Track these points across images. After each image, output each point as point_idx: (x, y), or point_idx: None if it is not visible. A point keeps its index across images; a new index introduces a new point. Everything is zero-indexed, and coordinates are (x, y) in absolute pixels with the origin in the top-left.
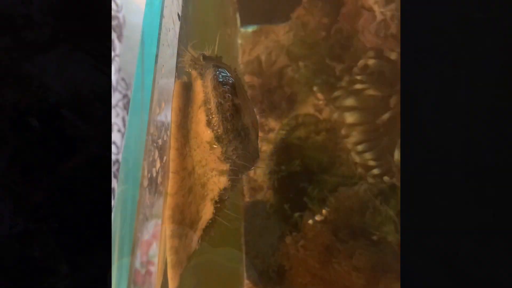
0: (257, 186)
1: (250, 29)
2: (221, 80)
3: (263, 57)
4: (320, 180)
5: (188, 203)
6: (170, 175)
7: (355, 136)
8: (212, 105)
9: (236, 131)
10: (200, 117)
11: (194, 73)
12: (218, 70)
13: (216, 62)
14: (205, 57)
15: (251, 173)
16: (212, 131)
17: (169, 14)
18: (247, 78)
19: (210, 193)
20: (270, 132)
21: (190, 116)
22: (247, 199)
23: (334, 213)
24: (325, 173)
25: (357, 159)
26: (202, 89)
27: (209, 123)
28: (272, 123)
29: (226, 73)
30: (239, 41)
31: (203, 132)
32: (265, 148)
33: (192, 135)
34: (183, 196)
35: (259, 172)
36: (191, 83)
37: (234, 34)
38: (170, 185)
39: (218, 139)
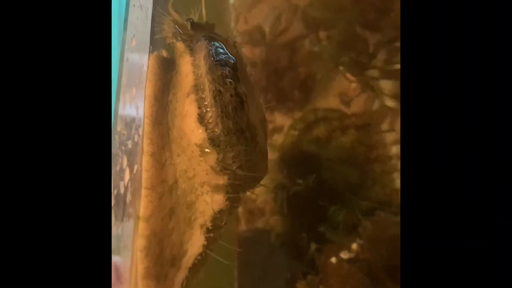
0: (256, 208)
1: None
2: (219, 58)
3: (267, 24)
4: (348, 199)
5: (168, 230)
6: (143, 192)
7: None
8: (207, 93)
9: (240, 131)
10: (188, 109)
11: (179, 46)
12: (213, 44)
13: (208, 31)
14: (193, 25)
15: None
16: (206, 129)
17: None
18: (246, 52)
19: (199, 217)
20: (276, 133)
21: (172, 107)
22: (242, 226)
23: (370, 248)
24: (355, 191)
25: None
26: (192, 69)
27: (201, 118)
28: (280, 119)
29: (224, 49)
30: (231, 1)
31: (192, 130)
32: (269, 155)
33: (174, 134)
34: (162, 220)
35: (260, 190)
36: (174, 59)
37: None
38: (143, 206)
39: (213, 141)
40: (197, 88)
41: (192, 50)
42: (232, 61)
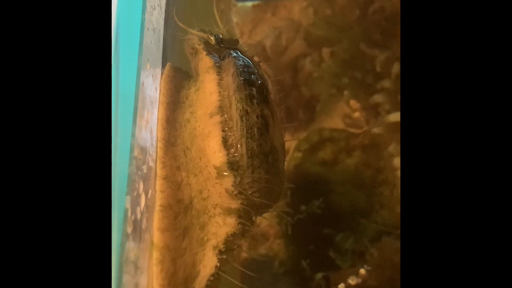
0: (259, 233)
1: (250, 3)
2: (247, 78)
3: (268, 42)
4: (356, 225)
5: (181, 250)
6: (157, 208)
7: None
8: (234, 113)
9: (263, 154)
10: (211, 130)
11: (207, 60)
12: (240, 62)
13: (233, 47)
14: (218, 39)
15: None
16: (227, 153)
17: None
18: None
19: (212, 239)
20: None
21: (191, 126)
22: (244, 253)
23: (377, 273)
24: (363, 215)
25: None
26: (217, 88)
27: (225, 141)
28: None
29: (252, 67)
30: (234, 19)
31: (214, 152)
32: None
33: (193, 153)
34: (176, 239)
35: (266, 214)
36: (189, 74)
37: (228, 10)
38: (158, 219)
39: (232, 165)
40: (222, 109)
41: (220, 67)
42: (260, 82)
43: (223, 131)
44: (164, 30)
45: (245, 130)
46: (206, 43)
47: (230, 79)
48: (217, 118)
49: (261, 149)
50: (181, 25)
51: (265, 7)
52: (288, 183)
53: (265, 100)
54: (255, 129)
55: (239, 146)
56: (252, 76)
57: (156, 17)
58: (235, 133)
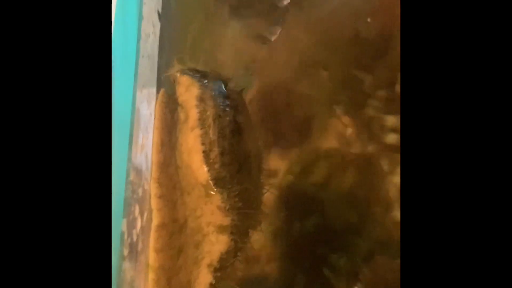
0: (254, 251)
1: (249, 27)
2: (223, 92)
3: (265, 61)
4: (349, 244)
5: (176, 269)
6: (153, 228)
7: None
8: (210, 121)
9: (234, 154)
10: (193, 144)
11: (186, 79)
12: (218, 82)
13: (213, 74)
14: (199, 71)
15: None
16: (209, 169)
17: (149, 14)
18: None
19: (206, 257)
20: (272, 176)
21: (179, 143)
22: (238, 272)
23: None
24: (356, 234)
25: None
26: (196, 102)
27: (207, 156)
28: (276, 162)
29: (225, 88)
30: (232, 42)
31: (198, 168)
32: (266, 198)
33: (184, 171)
34: (171, 258)
35: (258, 235)
36: (179, 101)
37: (225, 32)
38: (154, 239)
39: (217, 181)
40: (202, 122)
41: (200, 84)
42: (235, 96)
43: (203, 144)
44: (158, 56)
45: (216, 130)
46: (183, 70)
47: (207, 94)
48: (197, 131)
49: (232, 148)
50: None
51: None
52: (281, 201)
53: (240, 110)
54: (227, 130)
55: (216, 150)
56: (227, 92)
57: (151, 44)
58: (212, 140)
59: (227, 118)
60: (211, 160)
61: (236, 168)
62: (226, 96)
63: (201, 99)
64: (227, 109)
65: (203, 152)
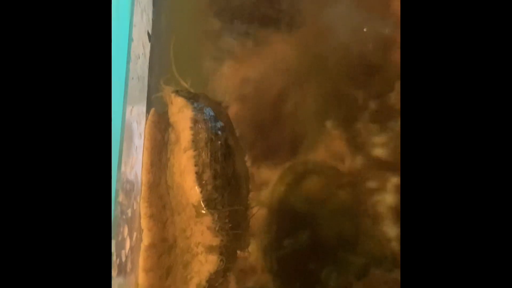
0: (248, 267)
1: (238, 46)
2: (213, 116)
3: (255, 78)
4: (341, 259)
5: None
6: (142, 247)
7: (390, 191)
8: (203, 144)
9: (226, 177)
10: (186, 165)
11: (180, 100)
12: (208, 106)
13: (203, 97)
14: (191, 93)
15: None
16: (201, 190)
17: (139, 36)
18: (232, 108)
19: (195, 277)
20: (262, 189)
21: (170, 164)
22: (233, 286)
23: None
24: (349, 249)
25: (392, 231)
26: (190, 124)
27: (199, 177)
28: (266, 173)
29: (213, 114)
30: (223, 59)
31: (190, 188)
32: (257, 212)
33: (175, 191)
34: (160, 278)
35: (253, 248)
36: (170, 121)
37: (215, 50)
38: (143, 258)
39: (209, 202)
40: (195, 143)
41: (193, 107)
42: (223, 122)
43: (195, 165)
44: (148, 77)
45: (209, 154)
46: (177, 91)
47: (200, 116)
48: (191, 153)
49: (224, 171)
50: (162, 85)
51: (250, 44)
52: (272, 216)
53: (230, 132)
54: (219, 153)
55: (209, 172)
56: (218, 123)
57: (141, 65)
58: (205, 162)
59: (219, 142)
60: (203, 182)
61: (228, 190)
62: (217, 119)
63: (195, 121)
64: (219, 132)
65: (196, 173)
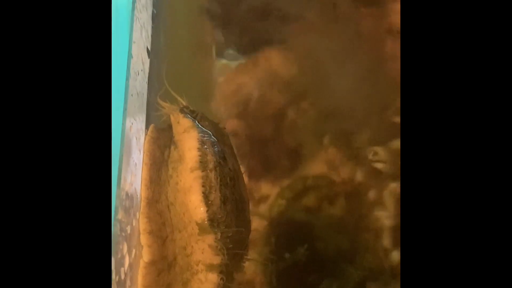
0: (245, 281)
1: (235, 63)
2: (216, 140)
3: (252, 94)
4: (340, 272)
5: None
6: (141, 264)
7: (388, 206)
8: (212, 166)
9: (234, 201)
10: (192, 184)
11: (186, 121)
12: (206, 133)
13: (204, 117)
14: (194, 112)
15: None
16: (207, 209)
17: (138, 52)
18: (230, 124)
19: None
20: (262, 203)
21: (173, 182)
22: None
23: None
24: (347, 262)
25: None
26: (197, 145)
27: (206, 197)
28: (266, 189)
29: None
30: (220, 76)
31: (195, 207)
32: (256, 225)
33: (177, 208)
34: None
35: (251, 262)
36: (170, 136)
37: (212, 67)
38: (142, 275)
39: (213, 222)
40: (203, 164)
41: (200, 129)
42: (226, 147)
43: (203, 186)
44: (147, 93)
45: (219, 178)
46: (181, 110)
47: (207, 138)
48: (198, 173)
49: (233, 196)
50: (161, 102)
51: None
52: (272, 230)
53: (233, 157)
54: (228, 178)
55: (215, 193)
56: (224, 147)
57: (140, 81)
58: (212, 184)
59: (228, 167)
60: (210, 201)
61: (236, 214)
62: (221, 144)
63: (202, 142)
64: (226, 157)
65: (203, 193)
